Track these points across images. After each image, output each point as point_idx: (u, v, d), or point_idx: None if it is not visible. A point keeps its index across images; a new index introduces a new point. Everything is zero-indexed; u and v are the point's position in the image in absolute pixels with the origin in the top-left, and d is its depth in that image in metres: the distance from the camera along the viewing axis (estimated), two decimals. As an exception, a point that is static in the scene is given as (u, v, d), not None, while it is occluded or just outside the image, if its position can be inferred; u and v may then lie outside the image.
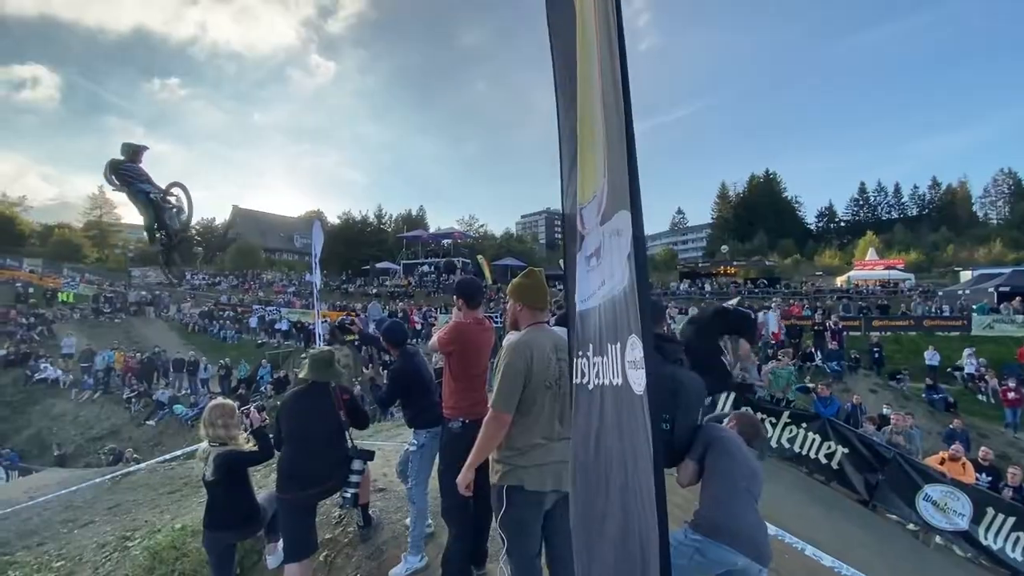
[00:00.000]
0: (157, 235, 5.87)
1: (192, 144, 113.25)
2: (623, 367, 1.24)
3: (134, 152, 5.71)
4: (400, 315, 19.67)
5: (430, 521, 3.61)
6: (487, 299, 24.57)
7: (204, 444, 3.40)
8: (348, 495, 3.36)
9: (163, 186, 5.91)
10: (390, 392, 3.74)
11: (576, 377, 1.64)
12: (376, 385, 9.78)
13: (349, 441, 3.46)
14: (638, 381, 1.16)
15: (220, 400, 3.61)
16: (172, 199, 5.93)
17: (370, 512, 3.80)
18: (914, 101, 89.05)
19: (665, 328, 3.62)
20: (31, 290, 28.28)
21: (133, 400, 16.23)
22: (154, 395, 16.10)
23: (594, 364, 1.45)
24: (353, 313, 18.31)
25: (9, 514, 6.49)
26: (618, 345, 1.27)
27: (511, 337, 2.40)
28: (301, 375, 3.52)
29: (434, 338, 3.16)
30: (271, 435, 3.42)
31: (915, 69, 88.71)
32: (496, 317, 19.46)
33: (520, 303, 2.45)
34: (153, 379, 17.56)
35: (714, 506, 2.42)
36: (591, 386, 1.48)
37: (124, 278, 37.96)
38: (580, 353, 1.60)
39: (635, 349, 1.18)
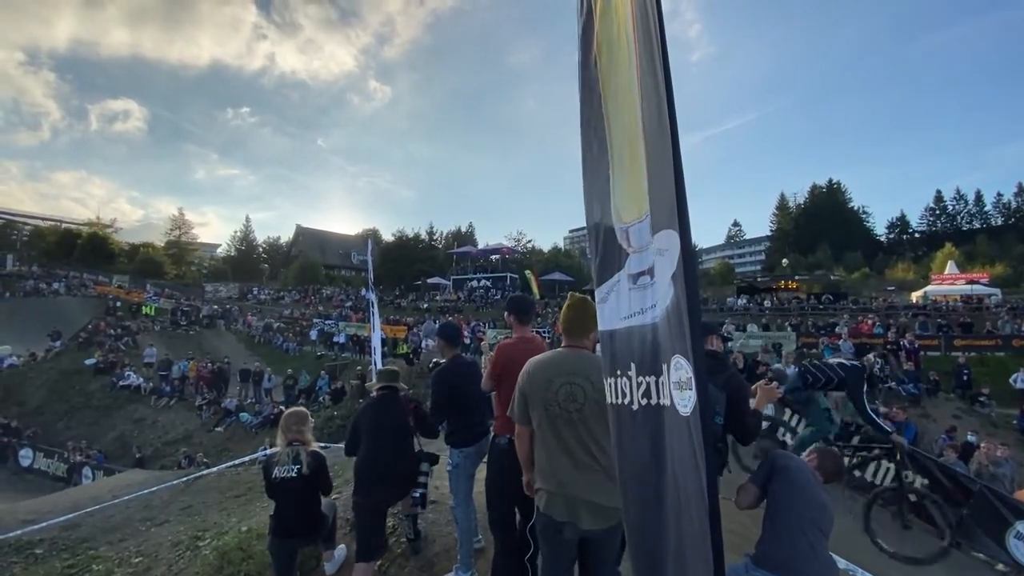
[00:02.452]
0: None
1: (260, 168, 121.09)
2: (669, 388, 1.23)
3: None
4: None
5: (479, 536, 3.63)
6: (535, 315, 24.59)
7: (281, 448, 3.50)
8: (417, 495, 3.60)
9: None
10: (435, 398, 3.62)
11: (614, 397, 1.61)
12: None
13: (417, 445, 3.69)
14: (684, 403, 1.15)
15: (296, 408, 3.86)
16: None
17: (419, 526, 3.87)
18: (994, 103, 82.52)
19: (713, 344, 3.58)
20: (119, 304, 30.87)
21: (204, 407, 17.29)
22: (223, 403, 17.08)
23: (640, 383, 1.43)
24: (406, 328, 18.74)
25: (95, 511, 7.03)
26: (666, 365, 1.26)
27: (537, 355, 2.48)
28: (372, 388, 3.80)
29: (484, 376, 3.18)
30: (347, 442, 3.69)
31: (992, 69, 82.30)
32: (544, 332, 19.42)
33: (561, 327, 2.51)
34: (222, 388, 18.66)
35: (776, 542, 2.31)
36: (635, 406, 1.45)
37: (198, 293, 40.74)
38: (619, 372, 1.57)
39: (680, 370, 1.16)
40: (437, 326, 4.19)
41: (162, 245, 53.80)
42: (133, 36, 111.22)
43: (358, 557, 3.41)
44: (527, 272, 34.52)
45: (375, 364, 9.37)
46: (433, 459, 3.72)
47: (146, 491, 7.78)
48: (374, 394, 3.80)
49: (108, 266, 42.83)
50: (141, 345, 23.61)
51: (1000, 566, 6.21)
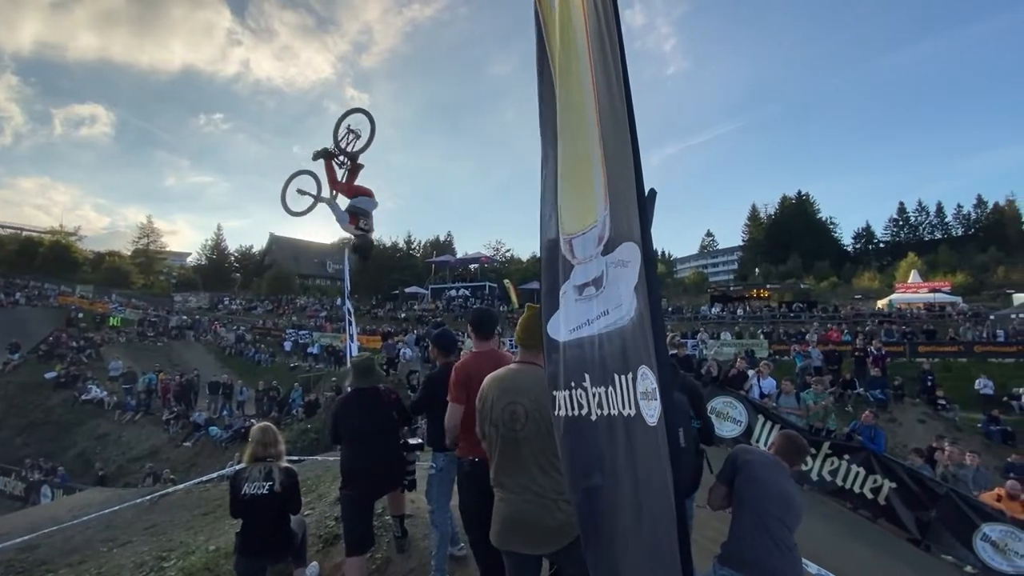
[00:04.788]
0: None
1: (233, 175, 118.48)
2: (635, 398, 1.21)
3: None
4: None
5: (463, 544, 3.60)
6: (513, 324, 24.56)
7: (248, 464, 3.41)
8: (406, 482, 3.68)
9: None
10: (420, 396, 3.78)
11: (568, 409, 1.59)
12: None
13: (401, 437, 3.73)
14: (650, 413, 1.14)
15: (266, 422, 3.78)
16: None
17: (405, 525, 3.93)
18: (953, 119, 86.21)
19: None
20: (81, 315, 29.75)
21: (171, 421, 16.72)
22: (191, 417, 16.56)
23: (595, 394, 1.42)
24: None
25: (54, 532, 6.72)
26: (629, 375, 1.24)
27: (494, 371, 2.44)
28: (349, 383, 3.83)
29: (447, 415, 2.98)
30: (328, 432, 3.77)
31: (955, 85, 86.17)
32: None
33: (516, 339, 2.47)
34: (190, 401, 18.09)
35: (740, 539, 2.31)
36: (594, 416, 1.44)
37: (167, 303, 39.59)
38: (573, 384, 1.55)
39: (646, 380, 1.16)
40: (434, 332, 4.18)
41: (129, 254, 52.25)
42: (101, 40, 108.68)
43: (348, 552, 3.42)
44: (506, 281, 34.60)
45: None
46: (417, 448, 3.77)
47: (108, 510, 7.46)
48: (351, 389, 3.79)
49: (71, 275, 41.33)
50: (105, 357, 22.80)
51: (968, 568, 6.37)
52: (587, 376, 1.46)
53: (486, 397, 2.29)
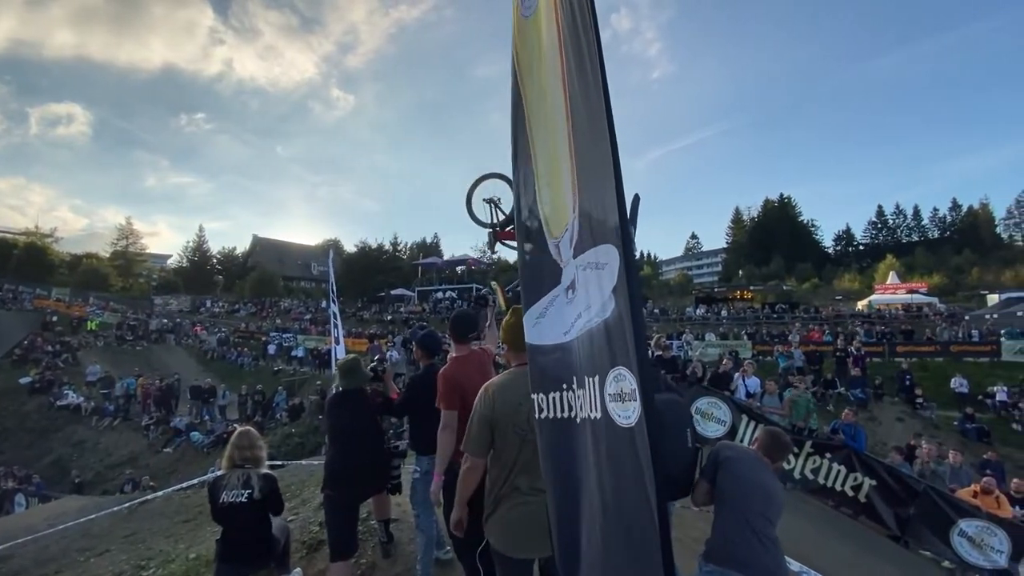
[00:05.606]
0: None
1: (215, 176, 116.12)
2: (602, 401, 1.21)
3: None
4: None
5: (448, 548, 3.58)
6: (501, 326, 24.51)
7: (227, 471, 3.33)
8: (390, 485, 3.69)
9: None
10: (402, 398, 3.72)
11: (554, 411, 1.59)
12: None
13: (386, 441, 3.70)
14: (625, 414, 1.14)
15: (246, 427, 3.71)
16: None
17: (391, 529, 3.90)
18: (930, 125, 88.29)
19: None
20: (56, 318, 29.03)
21: (151, 427, 16.40)
22: (172, 422, 16.25)
23: (579, 397, 1.42)
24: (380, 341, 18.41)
25: (28, 542, 6.54)
26: (596, 378, 1.24)
27: (492, 379, 2.38)
28: (335, 384, 3.81)
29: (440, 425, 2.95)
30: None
31: (929, 93, 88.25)
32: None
33: (504, 343, 2.39)
34: (171, 406, 17.76)
35: (723, 534, 2.33)
36: (579, 419, 1.44)
37: (147, 306, 38.81)
38: (555, 387, 1.56)
39: (621, 381, 1.15)
40: (420, 334, 4.12)
41: (107, 256, 51.10)
42: (79, 37, 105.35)
43: (332, 557, 3.38)
44: (492, 283, 34.41)
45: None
46: (401, 454, 3.76)
47: (85, 519, 7.29)
48: (338, 390, 3.76)
49: (47, 278, 40.26)
50: (83, 362, 22.30)
51: (946, 563, 6.51)
52: (573, 379, 1.47)
53: (496, 406, 2.22)
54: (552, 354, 1.61)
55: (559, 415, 1.56)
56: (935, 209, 54.45)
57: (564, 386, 1.55)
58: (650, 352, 11.31)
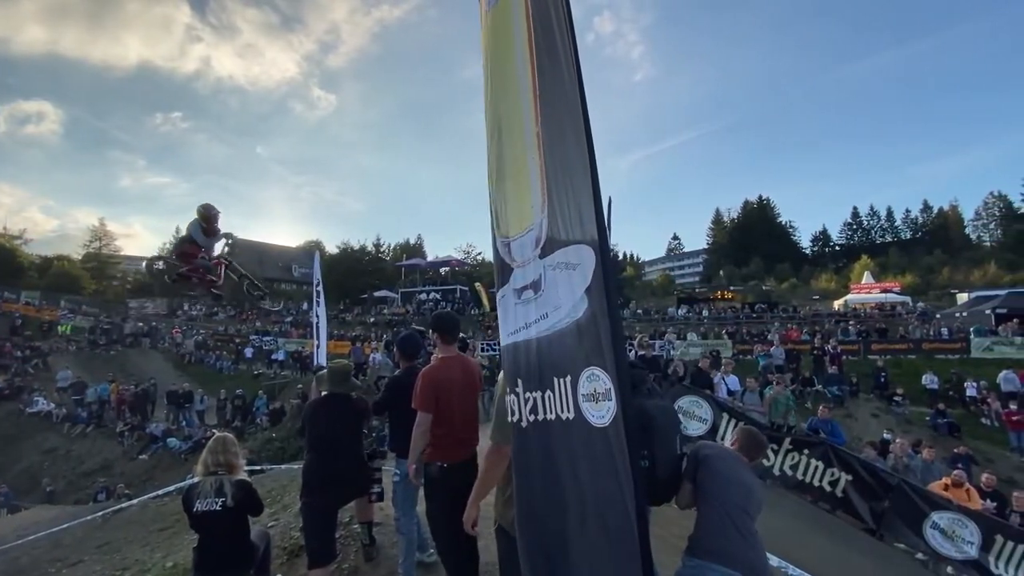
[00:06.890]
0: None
1: (193, 176, 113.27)
2: (575, 401, 1.19)
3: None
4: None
5: (431, 550, 3.55)
6: (485, 327, 24.52)
7: (201, 478, 3.24)
8: (374, 492, 3.70)
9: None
10: (380, 399, 3.75)
11: (519, 413, 1.52)
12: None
13: (368, 445, 3.73)
14: (598, 414, 1.12)
15: (221, 433, 3.63)
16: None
17: (373, 533, 3.89)
18: (903, 129, 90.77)
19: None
20: (21, 322, 28.15)
21: (126, 433, 15.99)
22: (148, 428, 15.87)
23: (528, 399, 1.37)
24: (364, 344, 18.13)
25: (-4, 554, 6.33)
26: (567, 379, 1.21)
27: None
28: (322, 388, 3.77)
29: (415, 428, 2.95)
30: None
31: (903, 97, 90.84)
32: (494, 345, 19.40)
33: None
34: (147, 412, 17.34)
35: (705, 529, 2.39)
36: (524, 423, 1.38)
37: (121, 310, 37.86)
38: (508, 389, 1.51)
39: (595, 381, 1.14)
40: (400, 336, 4.13)
41: (80, 258, 49.70)
42: (50, 33, 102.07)
43: (311, 563, 3.36)
44: (476, 285, 34.46)
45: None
46: (380, 456, 3.79)
47: (57, 528, 7.08)
48: (323, 393, 3.74)
49: (15, 281, 38.97)
50: (53, 367, 21.65)
51: (919, 555, 6.70)
52: (519, 381, 1.42)
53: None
54: (503, 356, 1.57)
55: (525, 417, 1.51)
56: (907, 211, 56.04)
57: (508, 388, 1.51)
58: (633, 352, 11.43)
